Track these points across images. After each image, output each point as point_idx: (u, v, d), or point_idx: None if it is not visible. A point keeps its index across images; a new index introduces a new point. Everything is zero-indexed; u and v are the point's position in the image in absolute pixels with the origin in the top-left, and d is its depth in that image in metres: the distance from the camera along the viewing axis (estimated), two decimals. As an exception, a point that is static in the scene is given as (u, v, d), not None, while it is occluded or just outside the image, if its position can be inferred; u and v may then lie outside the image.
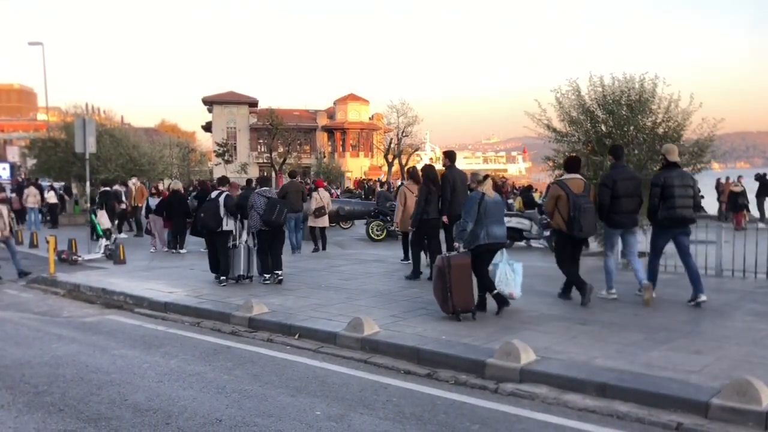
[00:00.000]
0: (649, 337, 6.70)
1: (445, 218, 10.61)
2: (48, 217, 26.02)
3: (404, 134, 54.42)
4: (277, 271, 11.12)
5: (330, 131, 67.66)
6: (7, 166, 38.70)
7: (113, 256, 14.29)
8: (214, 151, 55.66)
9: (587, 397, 5.25)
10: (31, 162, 37.51)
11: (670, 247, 8.84)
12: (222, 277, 10.98)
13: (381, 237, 18.56)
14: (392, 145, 54.90)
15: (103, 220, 16.02)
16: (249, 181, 16.29)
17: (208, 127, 67.44)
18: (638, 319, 7.61)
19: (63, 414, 5.16)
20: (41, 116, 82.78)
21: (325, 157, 60.40)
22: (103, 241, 15.47)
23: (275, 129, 50.75)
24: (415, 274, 11.04)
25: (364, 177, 53.95)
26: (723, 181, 24.48)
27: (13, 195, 25.40)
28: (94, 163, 23.37)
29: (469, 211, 7.85)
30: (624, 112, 12.39)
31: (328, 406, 5.26)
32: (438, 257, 8.07)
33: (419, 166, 14.00)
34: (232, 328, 8.23)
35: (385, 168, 58.49)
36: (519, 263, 8.46)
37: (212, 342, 7.62)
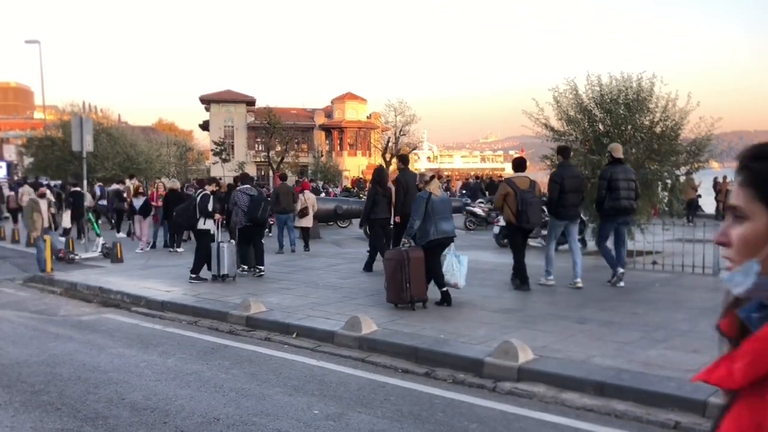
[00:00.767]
0: (647, 336, 6.70)
1: (397, 218, 11.12)
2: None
3: (402, 133, 54.37)
4: (259, 266, 11.39)
5: (327, 130, 67.60)
6: (3, 164, 38.66)
7: (110, 254, 14.27)
8: (212, 150, 55.58)
9: (585, 395, 5.25)
10: (28, 161, 37.42)
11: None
12: (192, 275, 11.03)
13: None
14: (390, 144, 54.83)
15: (65, 219, 16.10)
16: (236, 179, 16.75)
17: (205, 126, 67.32)
18: (636, 318, 7.61)
19: (60, 413, 5.15)
20: (38, 115, 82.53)
21: (322, 155, 60.32)
22: (100, 240, 15.44)
23: (273, 128, 50.71)
24: (369, 267, 11.92)
25: (361, 176, 53.94)
26: (720, 180, 24.50)
27: (11, 194, 25.35)
28: (91, 161, 23.33)
29: (417, 209, 8.49)
30: (622, 111, 12.42)
31: (326, 405, 5.25)
32: (396, 251, 8.58)
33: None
34: (229, 326, 8.22)
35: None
36: (465, 255, 8.87)
37: (210, 341, 7.60)
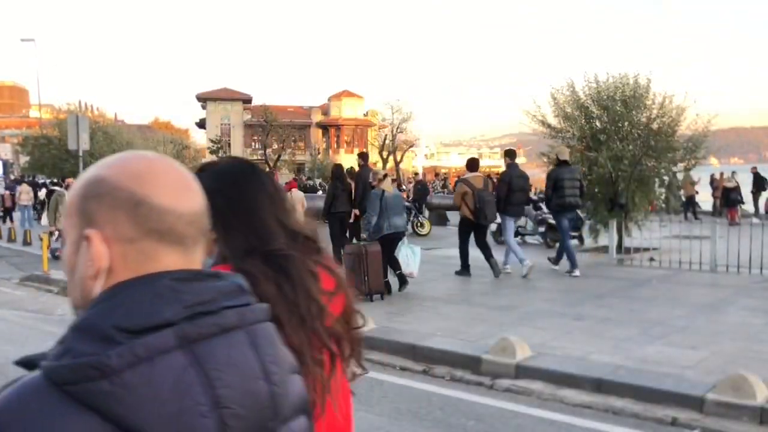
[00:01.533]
0: (644, 333, 6.71)
1: (356, 211, 11.64)
2: (41, 215, 25.91)
3: (399, 130, 54.34)
4: None
5: (324, 128, 67.51)
6: (-1, 163, 38.53)
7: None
8: (208, 148, 55.41)
9: (583, 392, 5.25)
10: (24, 159, 37.35)
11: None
12: None
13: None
14: (387, 142, 54.78)
15: (48, 219, 16.09)
16: None
17: (201, 124, 67.20)
18: (634, 314, 7.62)
19: (57, 412, 5.13)
20: (34, 113, 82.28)
21: (319, 153, 60.28)
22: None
23: (269, 125, 50.62)
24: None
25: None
26: (717, 176, 24.53)
27: (6, 192, 25.30)
28: (87, 160, 23.27)
29: (373, 206, 9.05)
30: (618, 108, 12.43)
31: (324, 402, 5.24)
32: (355, 245, 9.15)
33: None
34: (227, 325, 8.19)
35: (380, 164, 58.48)
36: (418, 247, 9.55)
37: (207, 339, 7.58)
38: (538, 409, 5.01)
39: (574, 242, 14.72)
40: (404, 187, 30.33)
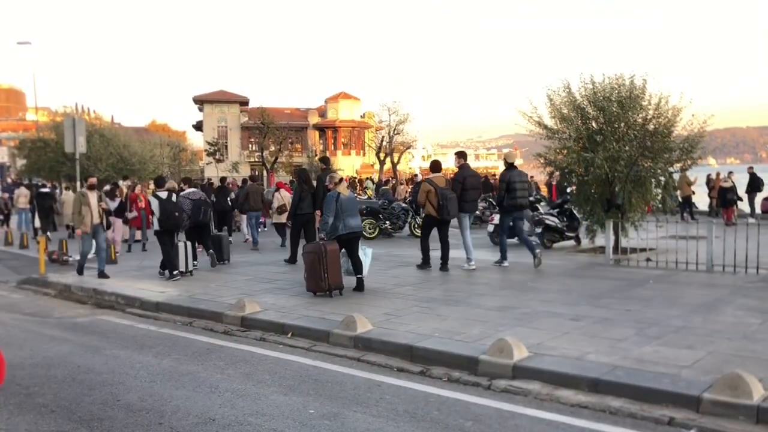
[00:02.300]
0: (641, 333, 6.73)
1: (318, 212, 12.07)
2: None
3: (396, 132, 54.31)
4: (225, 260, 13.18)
5: (321, 129, 67.52)
6: (-4, 166, 38.43)
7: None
8: (205, 150, 55.42)
9: (580, 392, 5.27)
10: (20, 162, 37.26)
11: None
12: (164, 271, 11.78)
13: (373, 235, 18.53)
14: (384, 143, 54.78)
15: (39, 220, 16.06)
16: (222, 180, 18.79)
17: (199, 126, 67.16)
18: (631, 314, 7.64)
19: (55, 415, 5.13)
20: (30, 116, 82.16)
21: (317, 155, 60.25)
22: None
23: (266, 128, 50.58)
24: (293, 260, 12.83)
25: (356, 175, 53.89)
26: (713, 177, 24.57)
27: (5, 195, 25.25)
28: (84, 163, 23.27)
29: (329, 207, 9.52)
30: (614, 109, 12.45)
31: (322, 404, 5.25)
32: (313, 244, 9.62)
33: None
34: (224, 327, 8.21)
35: (377, 166, 58.43)
36: (370, 249, 10.05)
37: (205, 341, 7.59)
38: (536, 410, 5.02)
39: (571, 242, 14.77)
40: (404, 188, 30.37)
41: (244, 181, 19.45)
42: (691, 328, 6.89)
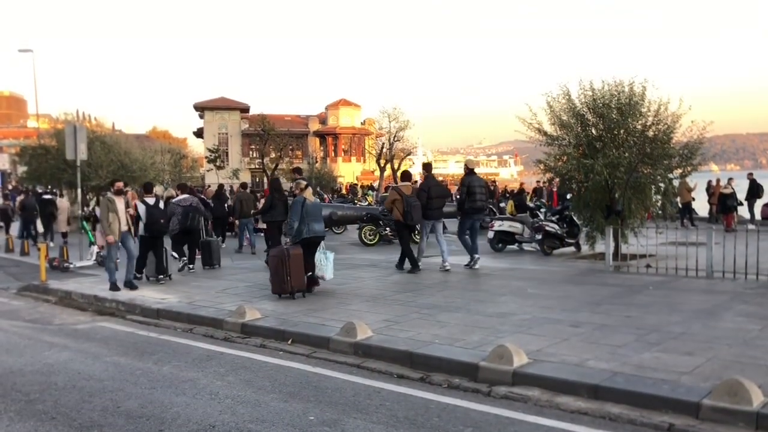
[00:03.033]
0: (640, 339, 6.73)
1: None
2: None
3: (396, 139, 54.41)
4: (191, 264, 13.33)
5: (322, 136, 67.66)
6: (-3, 173, 38.47)
7: (105, 263, 14.23)
8: (206, 157, 55.53)
9: (579, 399, 5.27)
10: (21, 169, 37.30)
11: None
12: (159, 275, 12.12)
13: (374, 241, 18.55)
14: (384, 150, 54.87)
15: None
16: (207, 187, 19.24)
17: (199, 133, 67.33)
18: (630, 321, 7.64)
19: (55, 422, 5.14)
20: (32, 123, 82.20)
21: (317, 162, 60.35)
22: (95, 248, 15.41)
23: (267, 134, 50.69)
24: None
25: (356, 182, 53.95)
26: (714, 183, 24.58)
27: (8, 202, 25.28)
28: (85, 170, 23.28)
29: (295, 211, 10.03)
30: (614, 116, 12.49)
31: (322, 411, 5.26)
32: (277, 248, 10.15)
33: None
34: (224, 334, 8.21)
35: (377, 173, 58.50)
36: (332, 253, 10.41)
37: (205, 348, 7.60)
38: (536, 416, 5.02)
39: (571, 249, 14.78)
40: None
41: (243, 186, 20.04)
42: (691, 335, 6.90)
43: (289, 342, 7.57)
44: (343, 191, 44.00)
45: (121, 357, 7.28)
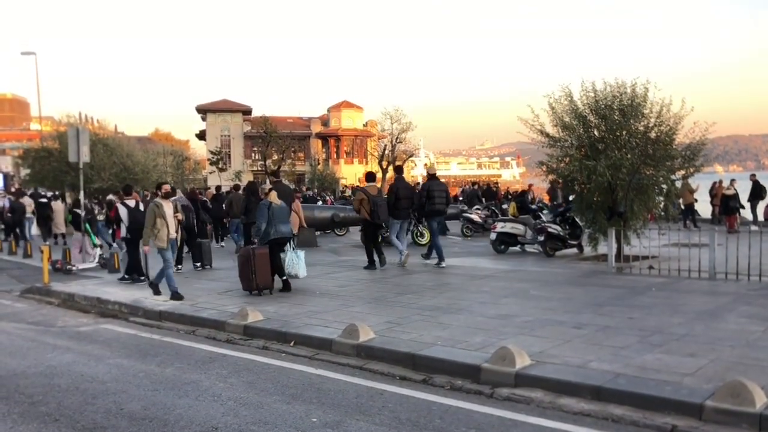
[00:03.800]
0: (643, 340, 6.73)
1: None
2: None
3: (398, 141, 54.42)
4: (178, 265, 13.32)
5: (324, 138, 67.69)
6: (0, 176, 38.56)
7: (107, 265, 14.27)
8: (208, 159, 55.56)
9: (582, 400, 5.27)
10: (24, 172, 37.37)
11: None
12: (129, 277, 12.35)
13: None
14: (386, 152, 54.85)
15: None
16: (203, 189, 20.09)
17: (202, 136, 67.37)
18: (633, 322, 7.64)
19: (58, 424, 5.15)
20: (34, 126, 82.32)
21: (319, 164, 60.38)
22: (97, 251, 15.45)
23: (269, 136, 50.72)
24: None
25: (358, 184, 53.94)
26: (717, 184, 24.54)
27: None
28: (87, 172, 23.33)
29: (261, 214, 10.43)
30: (616, 117, 12.48)
31: (324, 412, 5.26)
32: (244, 248, 10.62)
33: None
34: (227, 336, 8.22)
35: (380, 175, 58.57)
36: (302, 251, 10.87)
37: (208, 350, 7.61)
38: (538, 418, 5.02)
39: (573, 251, 14.78)
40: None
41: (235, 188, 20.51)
42: (694, 336, 6.89)
43: (292, 344, 7.57)
44: (347, 194, 44.01)
45: (123, 359, 7.29)
